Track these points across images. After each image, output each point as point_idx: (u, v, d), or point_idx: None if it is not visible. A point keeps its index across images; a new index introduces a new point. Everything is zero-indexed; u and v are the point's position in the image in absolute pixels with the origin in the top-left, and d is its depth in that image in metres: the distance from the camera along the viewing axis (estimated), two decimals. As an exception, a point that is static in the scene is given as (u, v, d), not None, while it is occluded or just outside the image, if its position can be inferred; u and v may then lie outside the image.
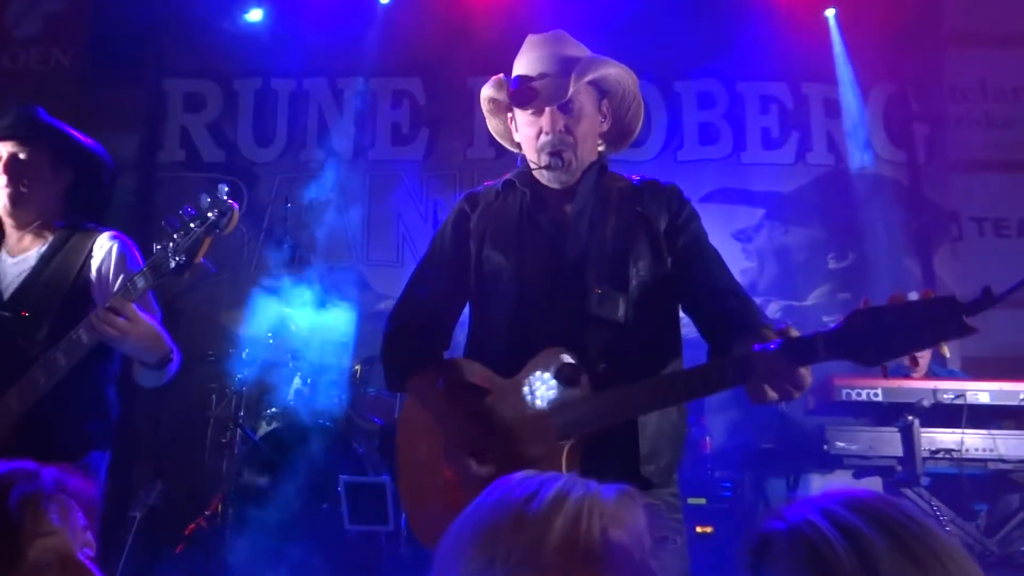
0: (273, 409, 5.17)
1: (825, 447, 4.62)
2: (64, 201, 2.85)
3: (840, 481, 4.84)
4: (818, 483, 5.24)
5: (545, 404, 2.10)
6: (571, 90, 2.28)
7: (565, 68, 2.30)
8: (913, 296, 1.69)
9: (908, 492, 4.52)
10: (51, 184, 2.80)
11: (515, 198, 2.39)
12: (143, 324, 2.51)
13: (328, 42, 6.85)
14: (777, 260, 6.74)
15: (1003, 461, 4.50)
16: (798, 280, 6.70)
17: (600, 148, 2.45)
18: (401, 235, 6.86)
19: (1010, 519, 4.60)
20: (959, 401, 4.50)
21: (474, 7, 6.80)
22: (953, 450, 4.49)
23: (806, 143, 6.94)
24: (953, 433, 4.52)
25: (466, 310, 2.49)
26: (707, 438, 5.28)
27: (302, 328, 5.37)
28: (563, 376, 2.08)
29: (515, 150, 2.58)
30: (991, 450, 4.49)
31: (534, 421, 2.11)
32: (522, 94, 2.34)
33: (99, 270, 2.73)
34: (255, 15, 6.94)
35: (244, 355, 5.21)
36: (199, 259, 2.36)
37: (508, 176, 2.45)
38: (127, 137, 6.43)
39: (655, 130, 6.88)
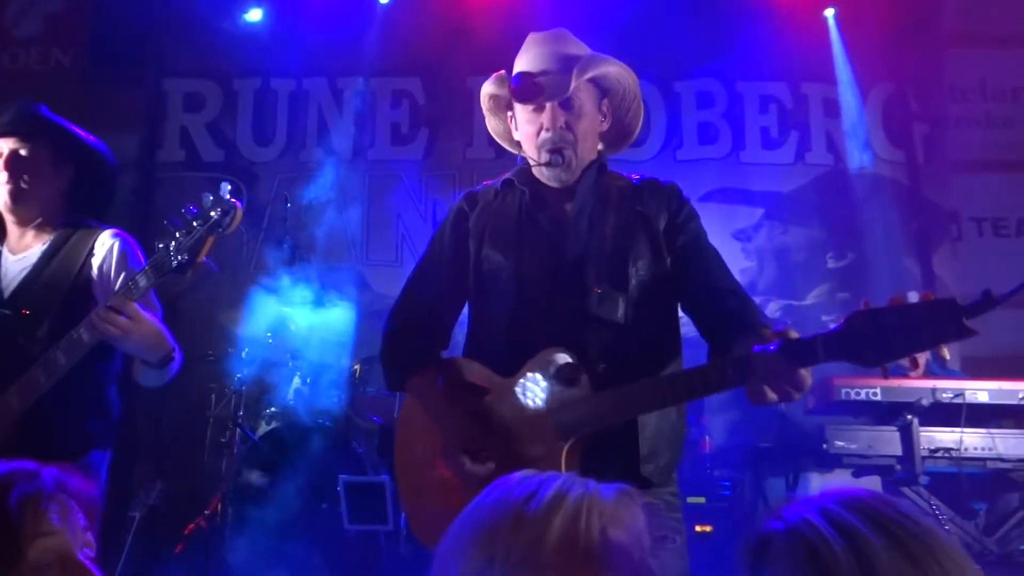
0: (272, 409, 5.17)
1: (824, 446, 4.62)
2: (66, 198, 2.84)
3: (839, 480, 4.84)
4: (817, 482, 5.24)
5: (544, 404, 2.10)
6: (573, 86, 2.28)
7: (567, 65, 2.31)
8: (913, 295, 1.69)
9: (907, 491, 4.52)
10: (52, 181, 2.79)
11: (514, 197, 2.39)
12: (145, 323, 2.50)
13: (328, 42, 6.84)
14: (776, 260, 6.74)
15: (1002, 460, 4.50)
16: (797, 280, 6.70)
17: (599, 148, 2.45)
18: (400, 235, 6.86)
19: (1009, 518, 4.60)
20: (958, 400, 4.50)
21: (473, 7, 6.80)
22: (952, 449, 4.49)
23: (805, 143, 6.94)
24: (952, 432, 4.52)
25: (465, 309, 2.49)
26: (706, 437, 5.28)
27: (301, 328, 5.37)
28: (563, 376, 2.09)
29: (514, 150, 2.58)
30: (990, 449, 4.49)
31: (533, 421, 2.11)
32: (524, 90, 2.34)
33: (100, 268, 2.72)
34: (255, 15, 6.93)
35: (243, 355, 5.21)
36: (201, 258, 2.35)
37: (507, 175, 2.45)
38: (127, 137, 6.41)
39: (654, 130, 6.87)
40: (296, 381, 5.20)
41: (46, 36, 7.15)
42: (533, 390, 2.13)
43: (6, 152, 2.73)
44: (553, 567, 0.99)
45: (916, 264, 6.67)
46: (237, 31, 6.91)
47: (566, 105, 2.31)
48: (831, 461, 4.66)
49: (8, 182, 2.72)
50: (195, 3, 6.87)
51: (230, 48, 6.94)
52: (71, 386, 2.56)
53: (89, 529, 1.37)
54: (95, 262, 2.73)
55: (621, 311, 2.21)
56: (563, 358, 2.09)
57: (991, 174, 6.77)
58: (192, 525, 4.83)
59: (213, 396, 5.48)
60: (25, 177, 2.73)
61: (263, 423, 5.15)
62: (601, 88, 2.41)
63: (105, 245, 2.75)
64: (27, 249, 2.78)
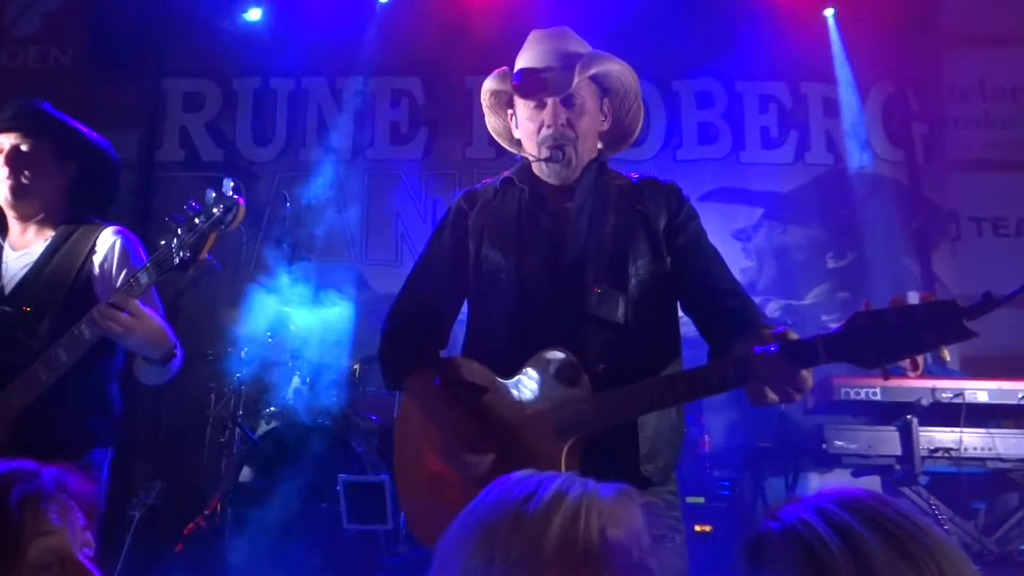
0: (272, 408, 5.17)
1: (824, 446, 4.63)
2: (68, 195, 2.82)
3: (839, 480, 4.85)
4: (817, 482, 5.25)
5: (544, 404, 2.10)
6: (576, 81, 2.28)
7: (569, 62, 2.31)
8: (913, 296, 1.69)
9: (907, 491, 4.53)
10: (54, 177, 2.78)
11: (513, 196, 2.39)
12: (147, 319, 2.50)
13: (327, 41, 6.85)
14: (776, 259, 6.74)
15: (1002, 460, 4.51)
16: (797, 279, 6.71)
17: (599, 147, 2.45)
18: (400, 234, 6.86)
19: (1009, 518, 4.60)
20: (958, 400, 4.51)
21: (473, 7, 6.80)
22: (952, 449, 4.49)
23: (805, 142, 6.94)
24: (952, 432, 4.53)
25: (464, 308, 2.48)
26: (706, 437, 5.28)
27: (301, 327, 5.37)
28: (563, 376, 2.08)
29: (513, 149, 2.58)
30: (990, 449, 4.50)
31: (533, 421, 2.11)
32: (526, 85, 2.35)
33: (102, 265, 2.71)
34: (254, 14, 6.93)
35: (243, 354, 5.21)
36: (203, 255, 2.34)
37: (507, 174, 2.44)
38: (126, 136, 6.41)
39: (654, 129, 6.88)
40: (295, 381, 5.20)
41: (45, 35, 7.15)
42: (540, 389, 2.12)
43: (7, 147, 2.72)
44: (552, 566, 0.99)
45: (915, 264, 6.68)
46: (236, 30, 6.91)
47: (567, 102, 2.32)
48: (830, 461, 4.67)
49: (9, 177, 2.71)
50: (195, 2, 6.88)
51: (230, 47, 6.95)
52: (72, 384, 2.55)
53: (88, 529, 1.37)
54: (97, 259, 2.72)
55: (621, 311, 2.20)
56: (563, 358, 2.09)
57: (990, 174, 6.77)
58: (191, 525, 4.83)
59: (212, 396, 5.48)
60: (26, 173, 2.72)
61: (262, 423, 5.15)
62: (603, 87, 2.41)
63: (107, 242, 2.74)
64: (29, 245, 2.77)
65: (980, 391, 4.56)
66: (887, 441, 4.62)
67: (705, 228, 2.37)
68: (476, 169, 6.59)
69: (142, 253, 2.75)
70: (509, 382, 2.18)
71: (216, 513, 4.84)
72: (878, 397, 4.62)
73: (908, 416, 4.58)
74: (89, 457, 2.63)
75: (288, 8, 6.93)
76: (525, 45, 2.43)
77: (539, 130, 2.33)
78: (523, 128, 2.41)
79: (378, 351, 2.46)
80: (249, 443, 5.00)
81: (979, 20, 6.85)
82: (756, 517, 1.07)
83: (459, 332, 2.46)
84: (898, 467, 4.60)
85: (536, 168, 2.39)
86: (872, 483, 4.83)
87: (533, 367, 2.14)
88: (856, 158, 6.83)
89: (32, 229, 2.79)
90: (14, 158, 2.72)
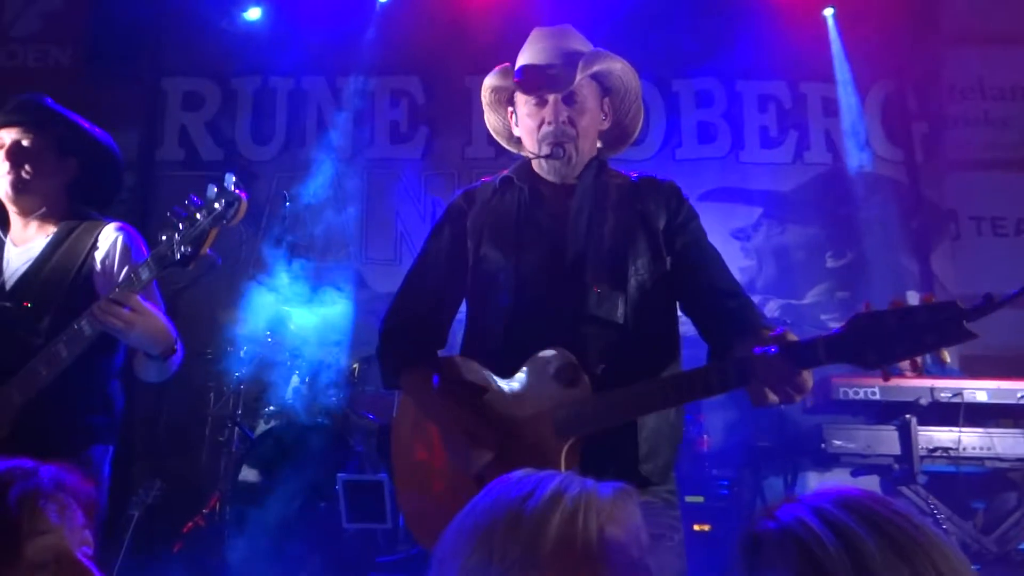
0: (271, 407, 5.17)
1: (823, 445, 4.64)
2: (70, 191, 2.81)
3: (838, 479, 4.85)
4: (816, 481, 5.25)
5: (544, 404, 2.09)
6: (578, 78, 2.28)
7: (571, 59, 2.31)
8: (913, 295, 1.69)
9: (905, 490, 4.54)
10: (55, 173, 2.77)
11: (512, 194, 2.38)
12: (148, 315, 2.48)
13: (327, 41, 6.85)
14: (775, 259, 6.74)
15: (1000, 459, 4.52)
16: (796, 279, 6.71)
17: (598, 146, 2.45)
18: (399, 233, 6.86)
19: (1007, 517, 4.61)
20: (956, 400, 4.51)
21: (472, 6, 6.80)
22: (950, 448, 4.50)
23: (804, 142, 6.94)
24: (951, 431, 4.53)
25: (463, 307, 2.48)
26: (705, 436, 5.28)
27: (300, 326, 5.37)
28: (562, 376, 2.08)
29: (512, 148, 2.57)
30: (988, 448, 4.51)
31: (533, 421, 2.10)
32: (528, 81, 2.34)
33: (103, 261, 2.70)
34: (254, 14, 6.94)
35: (242, 353, 5.21)
36: (205, 250, 2.32)
37: (506, 172, 2.43)
38: (126, 136, 6.40)
39: (654, 129, 6.88)
40: (295, 380, 5.20)
41: (45, 34, 7.16)
42: (532, 390, 2.12)
43: (8, 142, 2.71)
44: (551, 566, 0.99)
45: (915, 263, 6.68)
46: (236, 30, 6.91)
47: (569, 100, 2.31)
48: (829, 460, 4.68)
49: (10, 172, 2.70)
50: (194, 2, 6.87)
51: (229, 47, 6.95)
52: (73, 381, 2.54)
53: (87, 527, 1.37)
54: (98, 255, 2.71)
55: (620, 311, 2.20)
56: (563, 358, 2.09)
57: (990, 173, 6.78)
58: (191, 524, 4.84)
59: (212, 395, 5.48)
60: (27, 168, 2.70)
61: (262, 422, 5.15)
62: (604, 86, 2.41)
63: (109, 238, 2.73)
64: (30, 241, 2.76)
65: (979, 391, 4.57)
66: (886, 440, 4.62)
67: (704, 227, 2.36)
68: (475, 168, 6.59)
69: (144, 249, 2.73)
70: (508, 382, 2.18)
71: (215, 512, 4.84)
72: (877, 397, 4.62)
73: (907, 415, 4.59)
74: (89, 454, 2.61)
75: (288, 7, 6.93)
76: (527, 42, 2.42)
77: (539, 127, 2.33)
78: (523, 125, 2.40)
79: (376, 350, 2.46)
80: (248, 442, 5.00)
81: (978, 19, 6.86)
82: (755, 516, 1.07)
83: (457, 331, 2.46)
84: (897, 466, 4.61)
85: (536, 166, 2.39)
86: (871, 482, 4.84)
87: (532, 367, 2.13)
88: (855, 157, 6.83)
89: (34, 225, 2.78)
90: (15, 153, 2.71)
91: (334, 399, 5.16)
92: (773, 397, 1.83)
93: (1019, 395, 4.56)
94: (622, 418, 2.06)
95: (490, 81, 2.46)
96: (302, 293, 5.42)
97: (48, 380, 2.49)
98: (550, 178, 2.37)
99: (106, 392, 2.72)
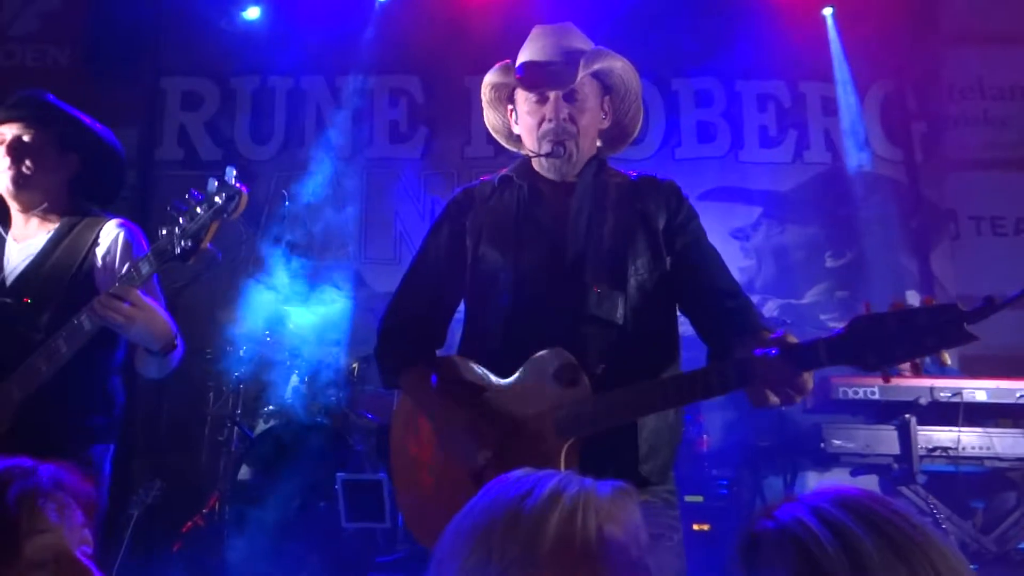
0: (271, 407, 5.17)
1: (822, 445, 4.64)
2: (72, 187, 2.80)
3: (837, 479, 4.85)
4: (815, 481, 5.25)
5: (544, 404, 2.09)
6: (580, 75, 2.28)
7: (573, 57, 2.31)
8: (913, 295, 1.70)
9: (905, 490, 4.54)
10: (57, 168, 2.76)
11: (512, 194, 2.38)
12: (148, 310, 2.47)
13: (326, 40, 6.84)
14: (775, 258, 6.74)
15: (999, 459, 4.52)
16: (795, 278, 6.71)
17: (598, 145, 2.45)
18: (399, 233, 6.86)
19: (1006, 517, 4.62)
20: (956, 399, 4.51)
21: (472, 6, 6.80)
22: (950, 448, 4.50)
23: (804, 141, 6.94)
24: (950, 431, 4.53)
25: (461, 307, 2.48)
26: (704, 436, 5.28)
27: (300, 326, 5.37)
28: (562, 377, 2.07)
29: (511, 146, 2.57)
30: (988, 448, 4.51)
31: (532, 421, 2.10)
32: (529, 78, 2.34)
33: (105, 258, 2.69)
34: (253, 13, 6.94)
35: (241, 353, 5.21)
36: (205, 244, 2.30)
37: (505, 171, 2.42)
38: (125, 135, 6.31)
39: (653, 128, 6.88)
40: (294, 379, 5.20)
41: (43, 34, 7.15)
42: (532, 390, 2.12)
43: (9, 137, 2.70)
44: (550, 565, 0.99)
45: (914, 263, 6.68)
46: (235, 29, 6.91)
47: (570, 97, 2.31)
48: (829, 460, 4.68)
49: (10, 168, 2.69)
50: (193, 1, 6.87)
51: (228, 46, 6.95)
52: (74, 377, 2.53)
53: (87, 526, 1.37)
54: (99, 251, 2.69)
55: (620, 311, 2.19)
56: (562, 359, 2.08)
57: (989, 173, 6.78)
58: (190, 523, 4.83)
59: (211, 394, 5.48)
60: (27, 163, 2.69)
61: (261, 421, 5.15)
62: (604, 85, 2.40)
63: (110, 235, 2.72)
64: (31, 237, 2.75)
65: (978, 390, 4.57)
66: (885, 440, 4.63)
67: (704, 227, 2.36)
68: (474, 168, 6.59)
69: (145, 246, 2.71)
70: (507, 382, 2.18)
71: (215, 512, 4.84)
72: (876, 396, 4.62)
73: (906, 415, 4.59)
74: (90, 453, 2.60)
75: (287, 7, 6.93)
76: (529, 39, 2.42)
77: (540, 124, 2.32)
78: (523, 123, 2.40)
79: (374, 349, 2.46)
80: (248, 442, 5.00)
81: (978, 19, 6.86)
82: (754, 516, 1.07)
83: (455, 331, 2.46)
84: (896, 466, 4.61)
85: (536, 164, 2.38)
86: (870, 482, 4.84)
87: (532, 367, 2.13)
88: (855, 157, 6.83)
89: (35, 221, 2.77)
90: (16, 148, 2.70)
91: (333, 398, 5.16)
92: (774, 399, 1.84)
93: (1018, 395, 4.56)
94: (622, 419, 2.06)
95: (490, 78, 2.45)
96: (301, 292, 5.42)
97: (48, 376, 2.47)
98: (550, 176, 2.37)
99: (107, 389, 2.71)
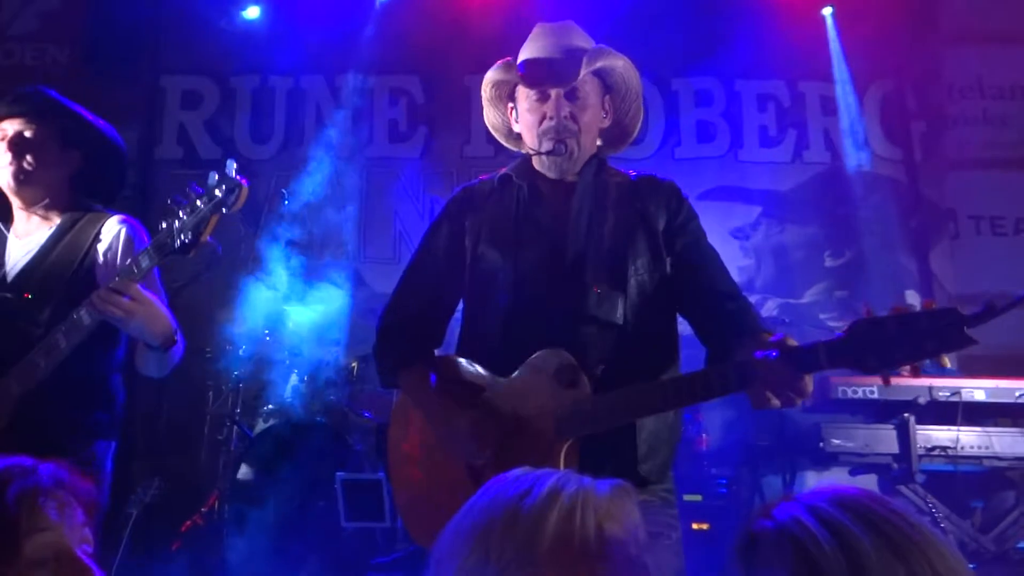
0: (270, 406, 5.17)
1: (821, 444, 4.64)
2: (74, 183, 2.79)
3: (837, 478, 4.85)
4: (814, 480, 5.25)
5: (543, 405, 2.08)
6: (583, 73, 2.28)
7: (575, 55, 2.30)
8: (912, 294, 1.70)
9: (903, 489, 4.54)
10: (58, 164, 2.75)
11: (511, 193, 2.37)
12: (148, 304, 2.46)
13: (325, 40, 6.84)
14: (774, 258, 6.74)
15: (998, 458, 4.52)
16: (795, 278, 6.71)
17: (598, 144, 2.45)
18: (398, 232, 6.86)
19: (1005, 516, 4.62)
20: (955, 399, 4.52)
21: (472, 5, 6.80)
22: (949, 447, 4.50)
23: (803, 141, 6.94)
24: (949, 430, 4.54)
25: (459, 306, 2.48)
26: (704, 435, 5.28)
27: (299, 325, 5.37)
28: (562, 377, 2.07)
29: (510, 145, 2.57)
30: (987, 447, 4.51)
31: (532, 421, 2.10)
32: (531, 75, 2.34)
33: (106, 254, 2.68)
34: (252, 12, 6.93)
35: (241, 352, 5.21)
36: (205, 237, 2.29)
37: (504, 170, 2.42)
38: (124, 134, 6.32)
39: (653, 128, 6.88)
40: (293, 378, 5.20)
41: (42, 33, 7.15)
42: (531, 390, 2.12)
43: (11, 133, 2.70)
44: (548, 564, 0.99)
45: (913, 262, 6.68)
46: (235, 28, 6.91)
47: (571, 96, 2.31)
48: (828, 459, 4.68)
49: (12, 163, 2.68)
50: (193, 0, 6.87)
51: (228, 45, 6.94)
52: (75, 374, 2.52)
53: (87, 525, 1.37)
54: (101, 247, 2.69)
55: (620, 312, 2.19)
56: (562, 359, 2.08)
57: (989, 172, 6.78)
58: (189, 522, 4.83)
59: (210, 393, 5.48)
60: (28, 158, 2.69)
61: (260, 420, 5.15)
62: (605, 84, 2.41)
63: (112, 231, 2.71)
64: (33, 233, 2.74)
65: (977, 390, 4.58)
66: (884, 439, 4.63)
67: (703, 226, 2.36)
68: (474, 167, 6.58)
69: (147, 241, 2.71)
70: (506, 381, 2.17)
71: (214, 511, 4.83)
72: (875, 395, 4.63)
73: (905, 414, 4.59)
74: (92, 451, 2.60)
75: (286, 6, 6.93)
76: (530, 37, 2.42)
77: (541, 122, 2.32)
78: (524, 120, 2.39)
79: (373, 348, 2.46)
80: (247, 441, 5.00)
81: (977, 18, 6.85)
82: (751, 515, 1.07)
83: (453, 330, 2.46)
84: (895, 465, 4.61)
85: (536, 162, 2.38)
86: (869, 481, 4.84)
87: (531, 367, 2.13)
88: (854, 157, 6.83)
89: (36, 217, 2.76)
90: (17, 143, 2.69)
91: (333, 398, 5.16)
92: (775, 401, 1.84)
93: (1017, 394, 4.56)
94: (622, 420, 2.06)
95: (491, 76, 2.45)
96: (300, 291, 5.42)
97: (47, 371, 2.47)
98: (550, 174, 2.36)
99: (107, 387, 2.70)
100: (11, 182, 2.71)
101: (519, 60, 2.40)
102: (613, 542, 1.02)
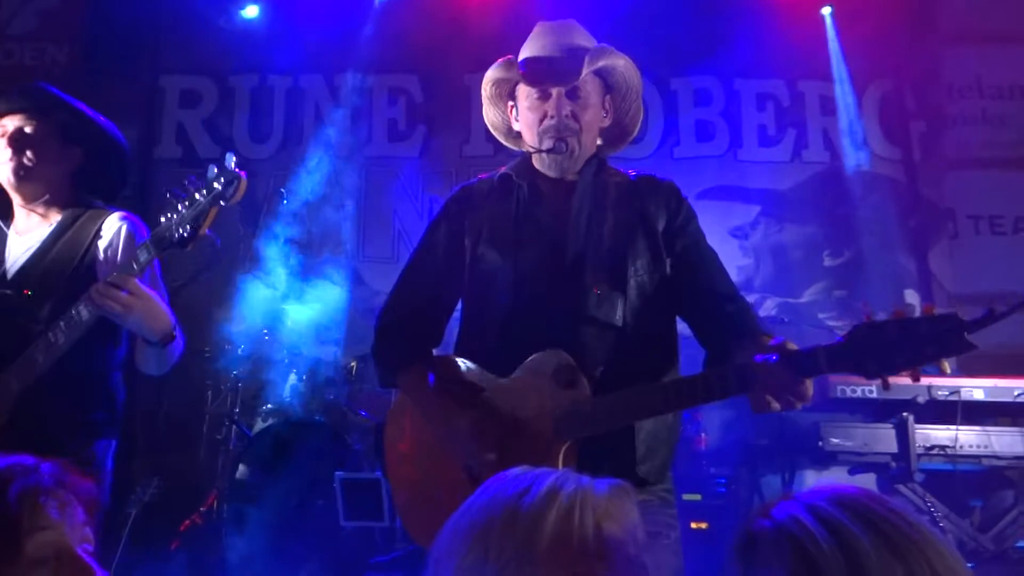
0: (269, 405, 5.17)
1: (820, 443, 4.64)
2: (74, 180, 2.79)
3: (836, 477, 4.85)
4: (813, 479, 5.24)
5: (542, 406, 2.08)
6: (585, 72, 2.27)
7: (577, 54, 2.30)
8: (911, 294, 1.70)
9: (902, 488, 4.54)
10: (59, 160, 2.74)
11: (511, 193, 2.37)
12: (146, 298, 2.45)
13: (324, 39, 6.83)
14: (773, 257, 6.74)
15: (997, 457, 4.52)
16: (794, 277, 6.71)
17: (598, 143, 2.44)
18: (397, 231, 6.86)
19: (1004, 515, 4.62)
20: (954, 398, 4.52)
21: (471, 4, 6.80)
22: (947, 446, 4.50)
23: (802, 140, 6.94)
24: (948, 429, 4.53)
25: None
26: (703, 434, 5.28)
27: (298, 324, 5.37)
28: (561, 378, 2.07)
29: (510, 144, 2.56)
30: (985, 446, 4.51)
31: (531, 421, 2.10)
32: (533, 73, 2.33)
33: (107, 251, 2.67)
34: (251, 11, 6.93)
35: (240, 351, 5.21)
36: (204, 230, 2.29)
37: (504, 169, 2.42)
38: (123, 133, 6.39)
39: (652, 127, 6.87)
40: (292, 378, 5.20)
41: (41, 32, 7.14)
42: (531, 391, 2.11)
43: (11, 129, 2.69)
44: (547, 563, 0.99)
45: (912, 262, 6.67)
46: (234, 28, 6.90)
47: (572, 95, 2.31)
48: (827, 458, 4.68)
49: (12, 159, 2.67)
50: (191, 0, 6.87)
51: (227, 45, 6.94)
52: (75, 372, 2.52)
53: (88, 524, 1.37)
54: (102, 244, 2.68)
55: (619, 313, 2.19)
56: (562, 360, 2.08)
57: (988, 172, 6.77)
58: (188, 522, 4.83)
59: (209, 393, 5.48)
60: (29, 154, 2.68)
61: (259, 420, 5.15)
62: (606, 84, 2.40)
63: (112, 227, 2.70)
64: (33, 230, 2.73)
65: (976, 389, 4.58)
66: (883, 438, 4.63)
67: (703, 226, 2.36)
68: (473, 166, 6.58)
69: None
70: (505, 382, 2.17)
71: (213, 510, 4.84)
72: (874, 395, 4.62)
73: (904, 413, 4.59)
74: (92, 449, 2.59)
75: (285, 5, 6.92)
76: (531, 36, 2.42)
77: (541, 120, 2.32)
78: (524, 119, 2.39)
79: (371, 347, 2.45)
80: (246, 440, 4.99)
81: (977, 18, 6.85)
82: (750, 515, 1.07)
83: (452, 330, 2.45)
84: (894, 464, 4.61)
85: (536, 161, 2.38)
86: (868, 480, 4.84)
87: (530, 367, 2.13)
88: (853, 156, 6.83)
89: (37, 214, 2.76)
90: (18, 139, 2.68)
91: (332, 397, 5.16)
92: (775, 405, 1.84)
93: (1016, 393, 4.56)
94: (621, 422, 2.06)
95: (492, 73, 2.44)
96: (299, 291, 5.42)
97: (45, 367, 2.46)
98: (550, 173, 2.36)
99: (108, 385, 2.69)
100: (11, 178, 2.70)
101: (520, 58, 2.39)
102: (612, 541, 1.02)
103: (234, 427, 5.08)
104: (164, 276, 2.75)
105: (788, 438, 5.18)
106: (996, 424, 4.64)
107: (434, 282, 2.42)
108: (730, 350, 2.00)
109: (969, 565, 1.03)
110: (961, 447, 4.50)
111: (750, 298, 5.71)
